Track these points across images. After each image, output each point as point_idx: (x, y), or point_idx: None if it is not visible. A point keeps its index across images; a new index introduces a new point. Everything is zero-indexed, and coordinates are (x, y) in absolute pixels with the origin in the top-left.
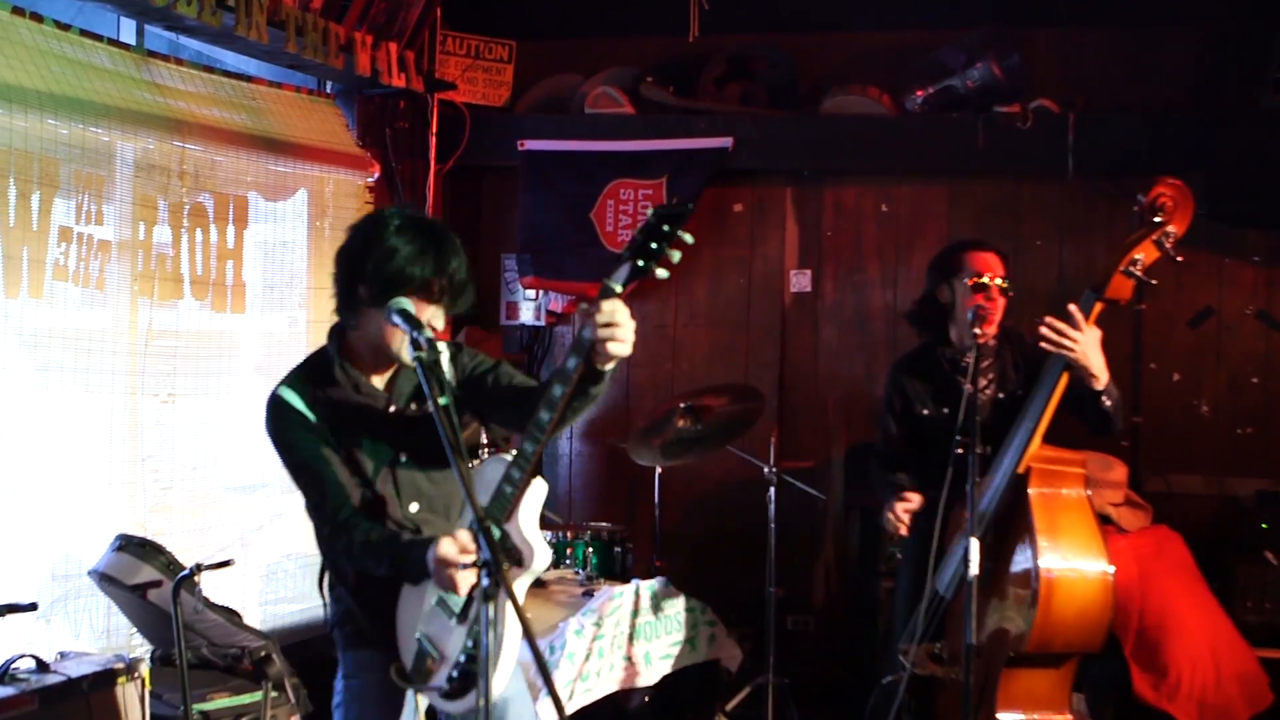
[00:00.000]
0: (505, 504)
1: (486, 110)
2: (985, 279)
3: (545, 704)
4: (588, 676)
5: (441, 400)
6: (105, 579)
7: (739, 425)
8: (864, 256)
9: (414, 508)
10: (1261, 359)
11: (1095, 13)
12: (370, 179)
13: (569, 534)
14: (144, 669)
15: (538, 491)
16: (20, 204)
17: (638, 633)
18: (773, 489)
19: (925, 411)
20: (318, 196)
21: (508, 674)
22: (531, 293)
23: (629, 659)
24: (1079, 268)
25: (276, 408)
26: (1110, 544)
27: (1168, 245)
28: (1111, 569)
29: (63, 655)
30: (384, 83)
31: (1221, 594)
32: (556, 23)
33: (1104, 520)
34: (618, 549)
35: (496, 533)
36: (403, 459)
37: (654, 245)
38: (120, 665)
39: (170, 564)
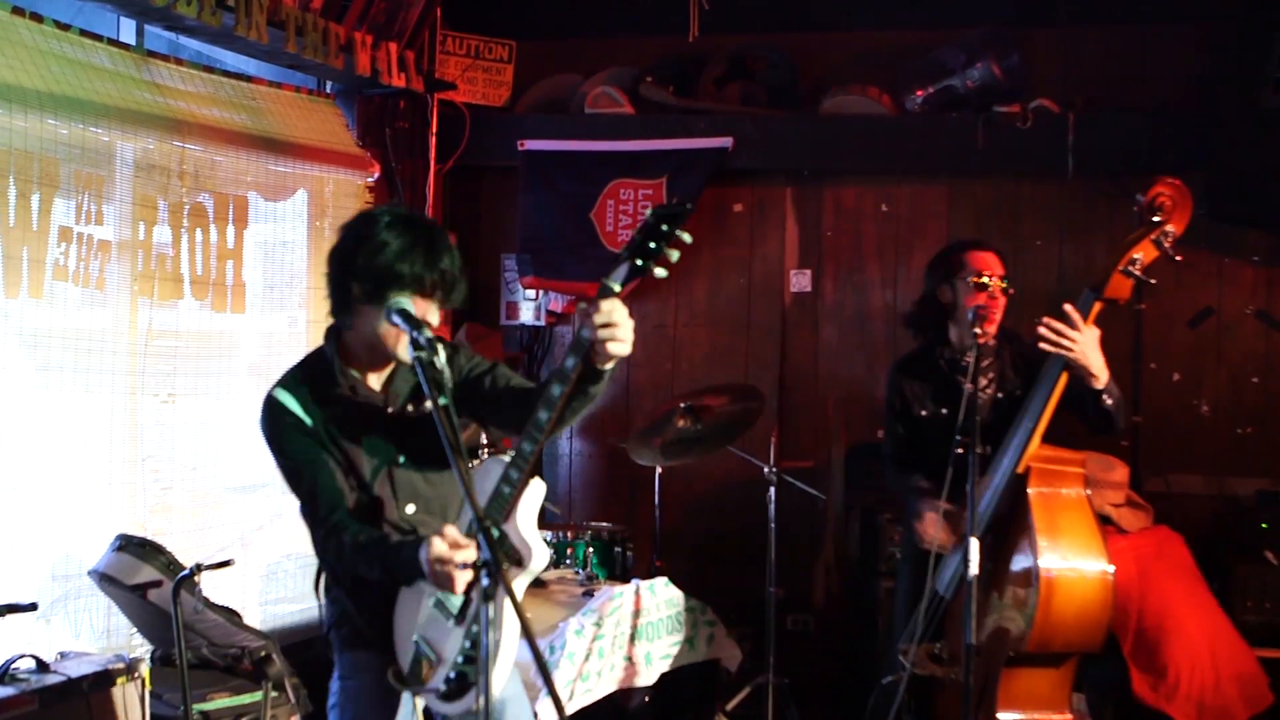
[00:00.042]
0: (503, 504)
1: (486, 110)
2: (987, 278)
3: (545, 704)
4: (588, 676)
5: (441, 400)
6: (105, 579)
7: (739, 425)
8: (864, 256)
9: (410, 509)
10: (1261, 359)
11: (1095, 13)
12: (370, 179)
13: (569, 534)
14: (144, 669)
15: (536, 492)
16: (20, 204)
17: (639, 633)
18: (773, 489)
19: (924, 412)
20: (318, 196)
21: (505, 674)
22: (531, 293)
23: (629, 659)
24: (1079, 267)
25: (272, 410)
26: (1110, 544)
27: (1167, 244)
28: (1111, 568)
29: (63, 655)
30: (384, 83)
31: (1221, 594)
32: (556, 23)
33: (1104, 521)
34: (618, 549)
35: (495, 533)
36: (400, 460)
37: (652, 245)
38: (120, 665)
39: (170, 564)
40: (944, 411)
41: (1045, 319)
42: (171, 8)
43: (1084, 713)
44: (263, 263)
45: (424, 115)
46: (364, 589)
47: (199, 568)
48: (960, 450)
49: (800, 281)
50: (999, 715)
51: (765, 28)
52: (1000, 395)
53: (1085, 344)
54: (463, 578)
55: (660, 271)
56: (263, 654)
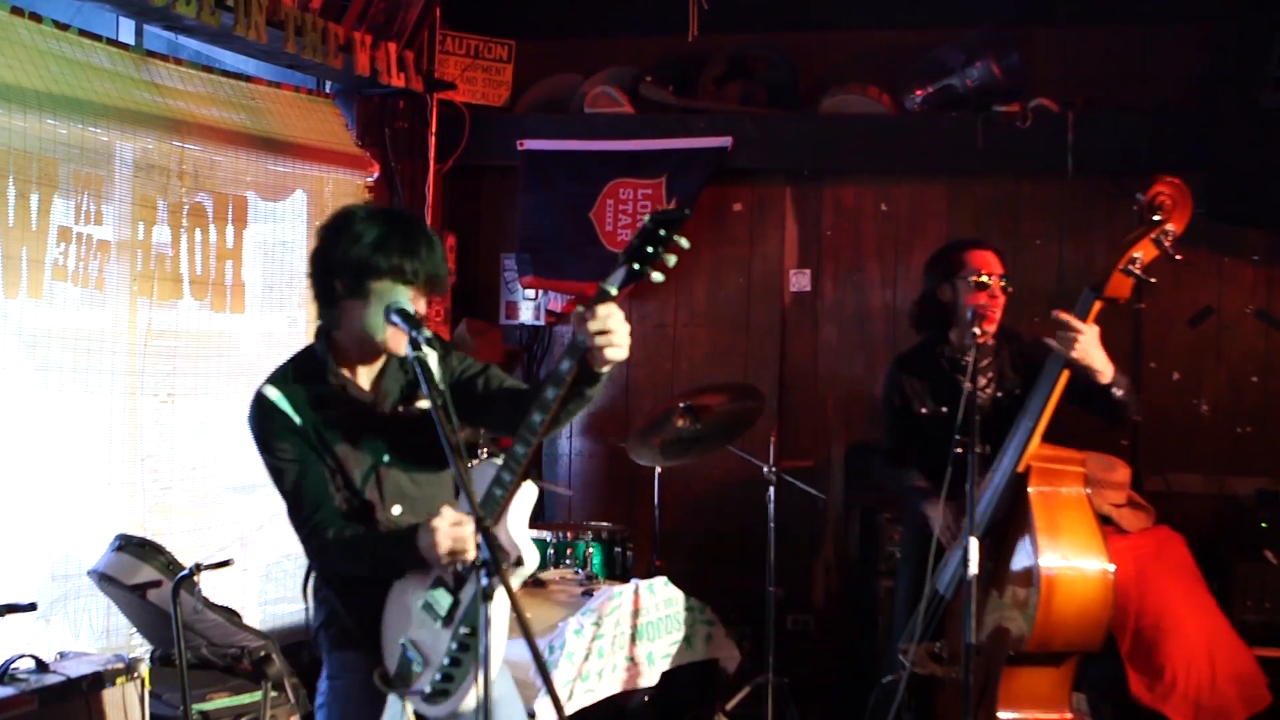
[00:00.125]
0: (494, 506)
1: (486, 110)
2: (987, 277)
3: (544, 703)
4: (588, 676)
5: (439, 400)
6: (105, 579)
7: (738, 425)
8: (863, 256)
9: (396, 510)
10: (1261, 358)
11: (1095, 12)
12: (369, 179)
13: (569, 534)
14: (143, 669)
15: (527, 495)
16: (19, 204)
17: (640, 633)
18: (772, 488)
19: (923, 410)
20: (317, 196)
21: (495, 674)
22: (531, 292)
23: (632, 659)
24: (1078, 267)
25: (260, 406)
26: (1109, 545)
27: (1167, 243)
28: (1112, 567)
29: (62, 655)
30: (383, 82)
31: (1221, 593)
32: (556, 22)
33: (1105, 521)
34: (618, 549)
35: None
36: (386, 460)
37: (650, 249)
38: (120, 665)
39: (170, 564)
40: (944, 409)
41: (1056, 311)
42: (170, 7)
43: (1084, 712)
44: (262, 263)
45: (423, 115)
46: (353, 589)
47: (198, 568)
48: (960, 450)
49: (800, 281)
50: (999, 714)
51: (765, 27)
52: (999, 394)
53: (1086, 342)
54: (472, 542)
55: (657, 276)
56: (262, 654)
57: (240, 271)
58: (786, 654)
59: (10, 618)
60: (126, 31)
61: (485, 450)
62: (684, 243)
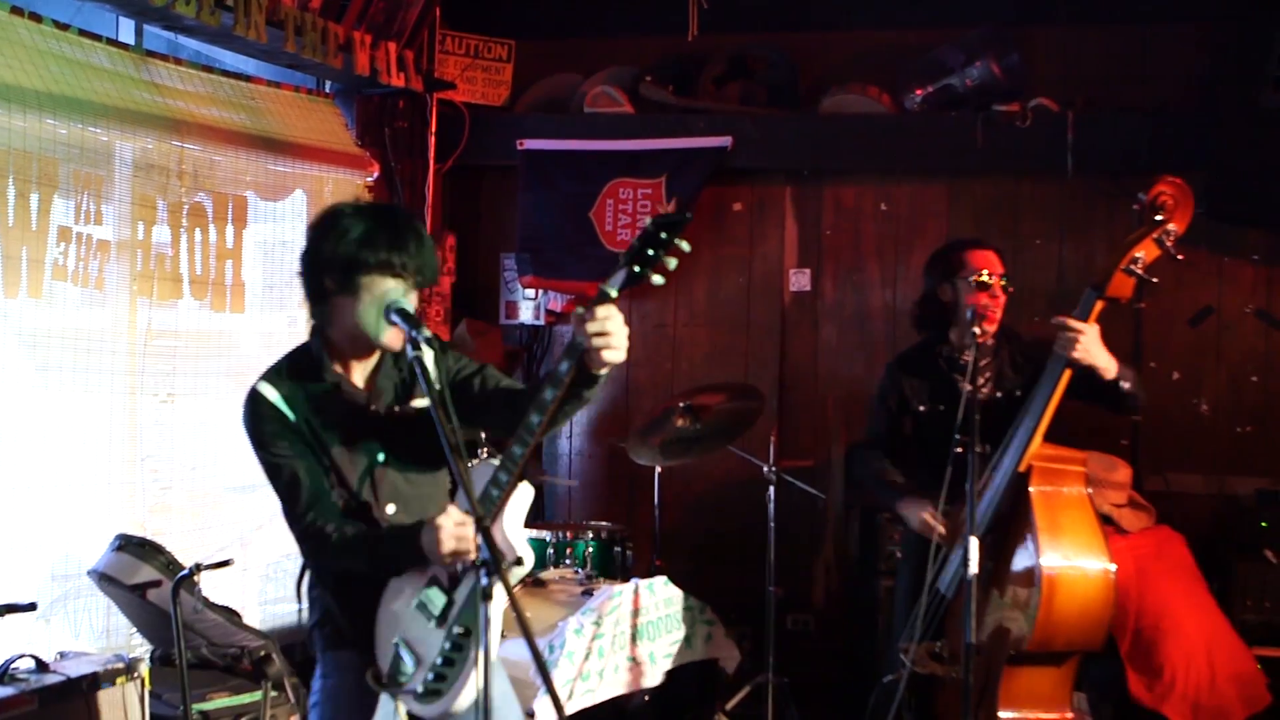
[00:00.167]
0: (490, 507)
1: (486, 110)
2: (987, 277)
3: (544, 702)
4: (588, 676)
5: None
6: (105, 579)
7: (738, 424)
8: (863, 256)
9: (390, 509)
10: (1261, 358)
11: (1095, 12)
12: (369, 179)
13: (569, 534)
14: (144, 669)
15: (524, 496)
16: (19, 204)
17: (640, 633)
18: (772, 488)
19: (922, 408)
20: (317, 196)
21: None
22: (531, 292)
23: (634, 659)
24: (1078, 267)
25: (255, 403)
26: (1110, 545)
27: (1168, 243)
28: (1113, 566)
29: (62, 655)
30: (383, 82)
31: (1221, 593)
32: (556, 22)
33: (1105, 521)
34: (618, 548)
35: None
36: (381, 459)
37: (651, 252)
38: (120, 665)
39: (170, 564)
40: (941, 409)
41: (1058, 318)
42: (170, 7)
43: (1084, 712)
44: (262, 262)
45: (423, 115)
46: (347, 588)
47: (198, 567)
48: (959, 450)
49: (800, 281)
50: (1000, 714)
51: (765, 27)
52: (999, 394)
53: (1087, 342)
54: (472, 544)
55: (658, 279)
56: (262, 654)
57: (240, 271)
58: (786, 654)
59: (10, 618)
60: (126, 31)
61: (485, 450)
62: (685, 246)
